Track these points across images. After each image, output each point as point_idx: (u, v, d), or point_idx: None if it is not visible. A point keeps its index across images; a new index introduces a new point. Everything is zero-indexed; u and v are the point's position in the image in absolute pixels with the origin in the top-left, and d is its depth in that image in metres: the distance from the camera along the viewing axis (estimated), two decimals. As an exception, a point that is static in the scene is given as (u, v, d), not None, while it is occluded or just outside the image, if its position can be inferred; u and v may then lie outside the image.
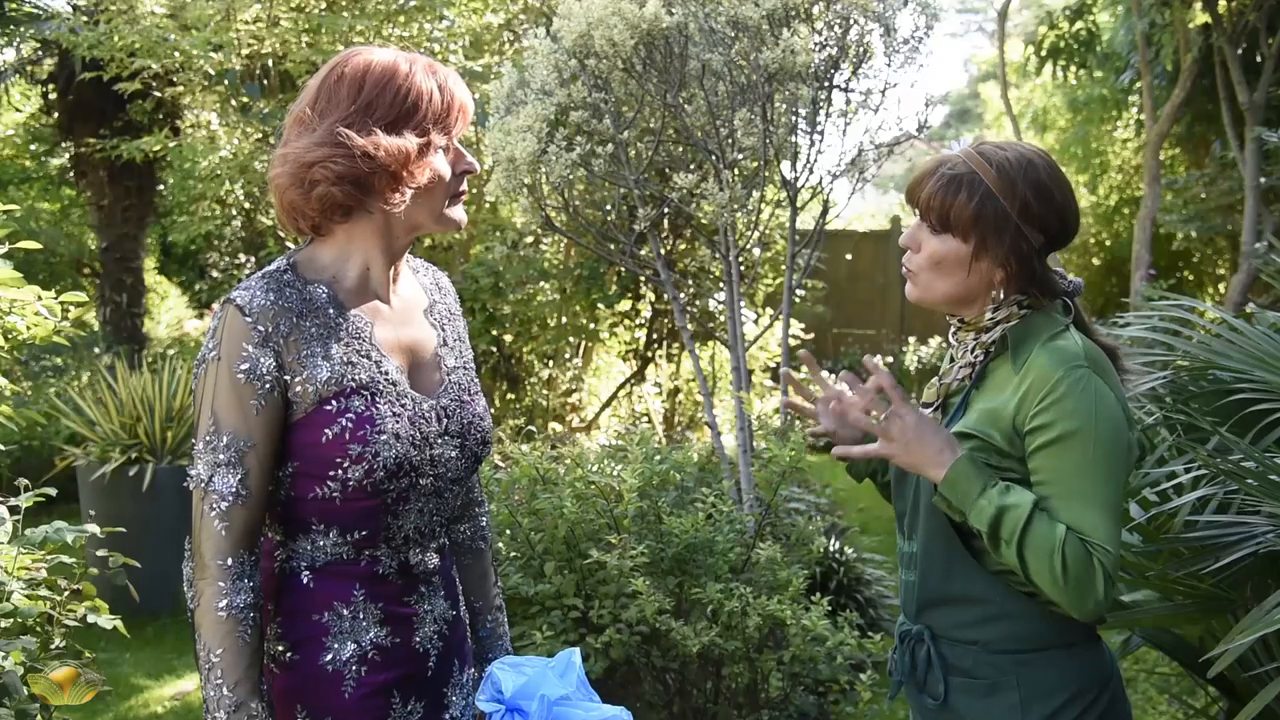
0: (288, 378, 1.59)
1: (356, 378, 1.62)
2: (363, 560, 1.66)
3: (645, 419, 7.73)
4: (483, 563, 1.94)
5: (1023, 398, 1.69)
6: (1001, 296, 1.76)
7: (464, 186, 1.73)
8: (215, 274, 9.39)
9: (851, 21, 3.97)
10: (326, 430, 1.59)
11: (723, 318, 6.69)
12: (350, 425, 1.59)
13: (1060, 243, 1.79)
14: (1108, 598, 1.63)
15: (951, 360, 1.87)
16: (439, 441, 1.68)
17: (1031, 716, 1.72)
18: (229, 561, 1.56)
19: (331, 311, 1.64)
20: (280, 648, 1.65)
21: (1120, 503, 1.67)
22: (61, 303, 2.67)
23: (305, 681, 1.64)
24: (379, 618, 1.66)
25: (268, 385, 1.57)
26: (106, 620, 2.36)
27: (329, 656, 1.64)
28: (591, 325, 7.42)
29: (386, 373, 1.65)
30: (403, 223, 1.68)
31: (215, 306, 9.95)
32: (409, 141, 1.61)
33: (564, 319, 7.30)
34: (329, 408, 1.59)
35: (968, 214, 1.72)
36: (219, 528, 1.56)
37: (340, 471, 1.59)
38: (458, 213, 1.74)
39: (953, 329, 1.86)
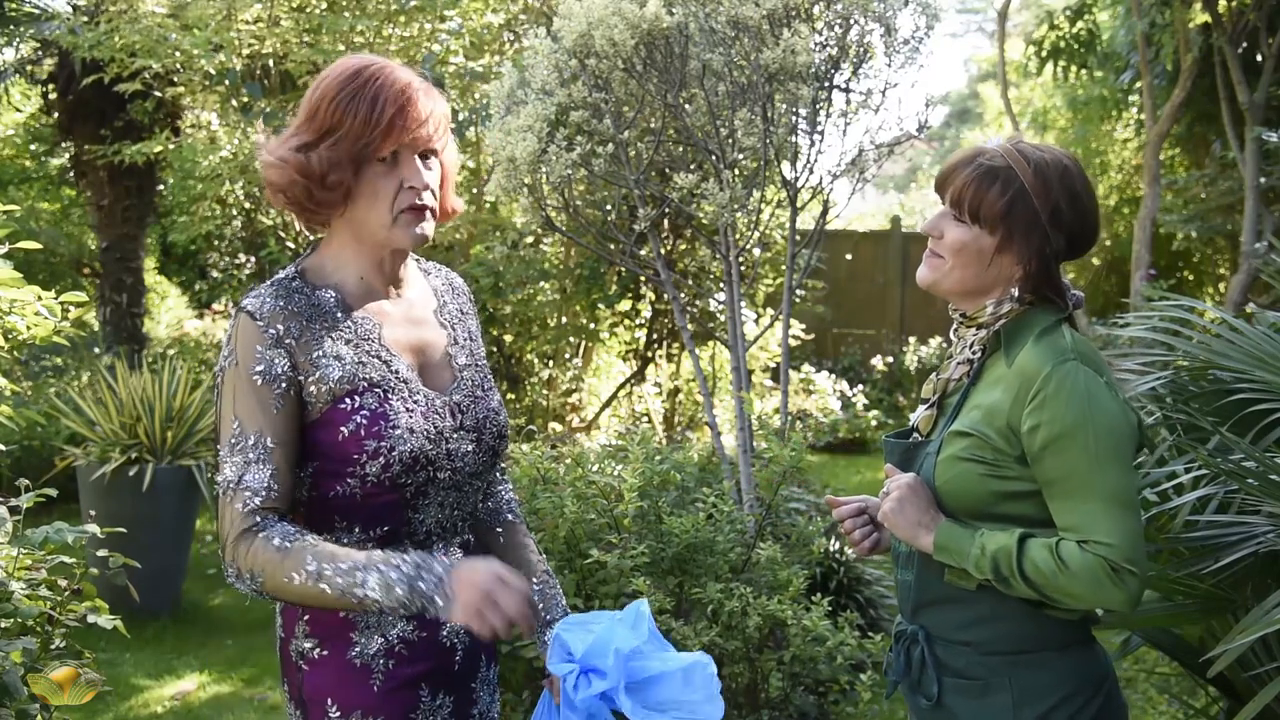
0: (301, 378, 1.62)
1: (368, 376, 1.65)
2: None
3: (645, 419, 7.73)
4: (516, 534, 1.94)
5: (1015, 396, 1.69)
6: (1016, 293, 1.76)
7: (419, 201, 1.67)
8: (215, 274, 9.38)
9: (852, 21, 3.97)
10: (342, 428, 1.62)
11: (723, 318, 6.69)
12: (365, 421, 1.62)
13: (1079, 251, 1.78)
14: (1126, 586, 1.62)
15: (950, 357, 1.87)
16: (454, 436, 1.71)
17: (1023, 717, 1.72)
18: (260, 521, 1.58)
19: (340, 315, 1.67)
20: (308, 644, 1.68)
21: (1129, 488, 1.66)
22: (61, 303, 2.67)
23: (334, 676, 1.67)
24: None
25: (284, 385, 1.61)
26: (106, 620, 2.35)
27: (356, 650, 1.67)
28: (591, 325, 7.41)
29: (397, 371, 1.68)
30: (367, 235, 1.69)
31: (217, 306, 9.93)
32: (319, 154, 1.62)
33: (564, 319, 7.29)
34: (343, 405, 1.63)
35: (998, 208, 1.71)
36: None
37: (358, 467, 1.62)
38: (407, 232, 1.67)
39: (954, 325, 1.86)
